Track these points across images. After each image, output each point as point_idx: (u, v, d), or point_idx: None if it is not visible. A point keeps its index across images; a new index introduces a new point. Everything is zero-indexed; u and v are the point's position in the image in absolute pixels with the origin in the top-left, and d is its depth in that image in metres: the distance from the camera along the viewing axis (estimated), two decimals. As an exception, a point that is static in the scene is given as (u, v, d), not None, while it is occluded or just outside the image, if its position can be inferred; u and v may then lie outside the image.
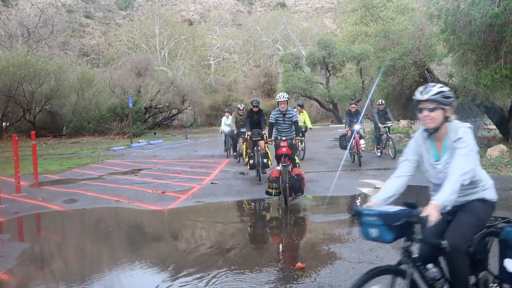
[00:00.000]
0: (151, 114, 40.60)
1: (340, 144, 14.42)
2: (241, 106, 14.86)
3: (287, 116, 9.00)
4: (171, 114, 43.61)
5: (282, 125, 9.08)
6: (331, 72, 41.00)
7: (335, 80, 42.27)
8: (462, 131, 2.95)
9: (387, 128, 14.78)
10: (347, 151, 13.87)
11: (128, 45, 63.01)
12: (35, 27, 47.16)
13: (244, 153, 12.88)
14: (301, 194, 8.41)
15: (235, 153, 15.35)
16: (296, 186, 8.13)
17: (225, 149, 17.22)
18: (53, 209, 8.63)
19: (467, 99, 16.85)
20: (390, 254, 5.20)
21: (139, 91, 38.38)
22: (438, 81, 19.32)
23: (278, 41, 65.68)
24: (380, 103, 15.17)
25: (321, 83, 41.44)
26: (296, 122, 9.11)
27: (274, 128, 9.07)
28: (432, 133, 3.06)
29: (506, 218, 3.18)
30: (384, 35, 21.03)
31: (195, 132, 37.26)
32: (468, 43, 14.55)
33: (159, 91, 39.31)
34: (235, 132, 14.37)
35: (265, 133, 11.12)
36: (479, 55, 14.88)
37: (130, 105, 27.32)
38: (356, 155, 13.36)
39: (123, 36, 64.37)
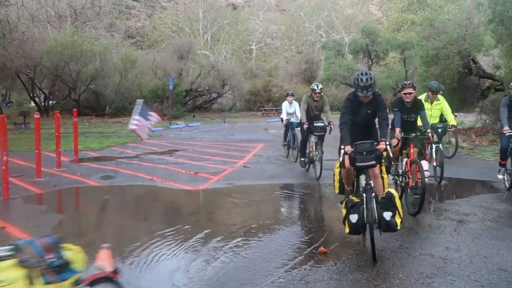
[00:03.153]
0: (191, 97, 41.05)
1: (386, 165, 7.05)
2: (317, 87, 9.81)
3: None
4: (211, 98, 43.98)
5: None
6: (373, 61, 40.25)
7: (378, 68, 41.49)
8: None
9: None
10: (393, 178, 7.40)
11: (172, 28, 63.73)
12: (82, 8, 48.29)
13: (336, 182, 6.06)
14: None
15: (302, 159, 10.33)
16: None
17: (284, 143, 12.86)
18: (90, 184, 8.94)
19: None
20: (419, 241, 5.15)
21: (181, 74, 38.83)
22: (484, 72, 18.71)
23: (322, 27, 64.92)
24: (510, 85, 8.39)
25: (363, 72, 40.76)
26: None
27: None
28: None
29: None
30: (430, 23, 20.50)
31: (234, 117, 37.48)
32: (517, 34, 14.04)
33: (200, 75, 39.67)
34: (305, 126, 9.61)
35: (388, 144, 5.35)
36: (528, 47, 14.34)
37: (171, 87, 27.81)
38: (409, 193, 6.79)
39: (168, 19, 65.15)
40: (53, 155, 11.18)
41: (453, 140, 12.35)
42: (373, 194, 4.88)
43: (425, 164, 7.03)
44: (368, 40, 37.88)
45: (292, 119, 11.99)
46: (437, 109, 9.35)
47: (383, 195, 4.96)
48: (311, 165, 9.95)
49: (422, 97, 9.14)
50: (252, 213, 6.96)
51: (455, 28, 18.45)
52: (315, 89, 9.70)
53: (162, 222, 6.30)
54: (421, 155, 7.62)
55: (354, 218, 4.84)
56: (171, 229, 5.90)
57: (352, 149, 5.02)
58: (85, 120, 28.59)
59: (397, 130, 6.96)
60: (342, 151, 5.10)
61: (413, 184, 6.67)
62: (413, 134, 7.11)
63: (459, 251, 4.98)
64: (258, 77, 52.23)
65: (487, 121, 19.37)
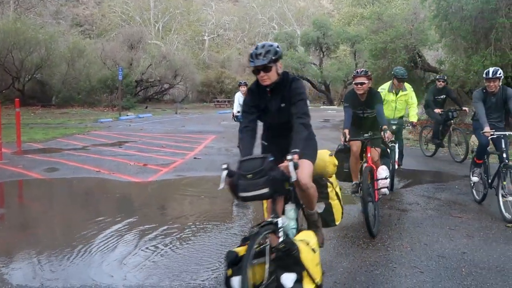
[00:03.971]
0: (142, 88, 40.27)
1: (338, 169, 4.87)
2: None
3: None
4: (162, 89, 43.29)
5: None
6: (324, 53, 40.82)
7: (329, 61, 42.11)
8: None
9: (502, 140, 6.13)
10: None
11: (122, 16, 62.11)
12: (25, -7, 46.28)
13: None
14: None
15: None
16: None
17: (238, 146, 10.90)
18: (33, 177, 8.64)
19: (456, 86, 16.91)
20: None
21: (131, 64, 37.97)
22: (429, 66, 19.35)
23: (274, 19, 65.09)
24: (491, 73, 6.21)
25: (314, 64, 41.29)
26: None
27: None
28: None
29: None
30: (378, 17, 20.99)
31: (186, 108, 37.10)
32: (459, 29, 14.54)
33: (150, 65, 38.89)
34: None
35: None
36: (469, 42, 14.89)
37: (120, 77, 27.21)
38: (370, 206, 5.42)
39: (117, 7, 63.38)
40: (-6, 147, 10.71)
41: (463, 141, 10.24)
42: (265, 243, 3.04)
43: (383, 171, 5.76)
44: (319, 33, 38.34)
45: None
46: (403, 100, 7.95)
47: (281, 245, 3.01)
48: None
49: (386, 86, 7.97)
50: (201, 205, 6.94)
51: (402, 22, 18.96)
52: None
53: (107, 215, 6.16)
54: (387, 157, 6.58)
55: (236, 283, 2.86)
56: (115, 222, 5.79)
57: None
58: (30, 111, 27.51)
59: (345, 132, 5.66)
60: (224, 172, 3.12)
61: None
62: (366, 135, 5.80)
63: (401, 239, 5.14)
64: (210, 68, 51.83)
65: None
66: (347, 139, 5.64)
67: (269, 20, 65.75)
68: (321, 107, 39.23)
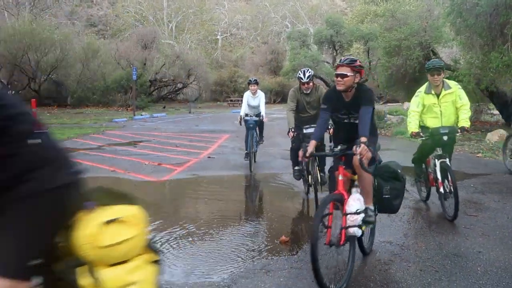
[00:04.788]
0: (156, 87, 40.55)
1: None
2: (304, 75, 6.85)
3: None
4: (176, 88, 43.55)
5: None
6: (338, 51, 40.62)
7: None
8: None
9: None
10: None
11: (136, 17, 62.61)
12: (40, -5, 46.89)
13: None
14: None
15: (296, 167, 7.25)
16: None
17: (246, 152, 9.60)
18: (50, 177, 8.74)
19: (471, 84, 16.75)
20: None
21: (145, 64, 38.25)
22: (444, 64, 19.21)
23: (287, 18, 65.05)
24: None
25: (327, 62, 41.12)
26: None
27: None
28: None
29: None
30: (391, 14, 20.90)
31: (199, 107, 37.27)
32: (474, 26, 14.42)
33: (164, 64, 39.17)
34: (291, 134, 6.85)
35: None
36: (485, 39, 14.75)
37: (134, 77, 27.44)
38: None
39: (131, 7, 63.91)
40: (11, 147, 10.87)
41: None
42: None
43: (354, 202, 3.97)
44: (332, 31, 38.19)
45: (251, 115, 9.50)
46: (449, 102, 5.91)
47: None
48: (310, 188, 6.99)
49: (422, 88, 6.05)
50: (215, 204, 6.97)
51: (416, 20, 18.85)
52: (302, 78, 6.84)
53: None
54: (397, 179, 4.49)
55: None
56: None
57: None
58: (46, 111, 27.85)
59: (310, 144, 4.25)
60: None
61: (332, 238, 3.81)
62: (339, 148, 4.11)
63: (416, 237, 5.13)
64: (223, 68, 52.05)
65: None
66: (307, 154, 4.19)
67: (282, 19, 65.72)
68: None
